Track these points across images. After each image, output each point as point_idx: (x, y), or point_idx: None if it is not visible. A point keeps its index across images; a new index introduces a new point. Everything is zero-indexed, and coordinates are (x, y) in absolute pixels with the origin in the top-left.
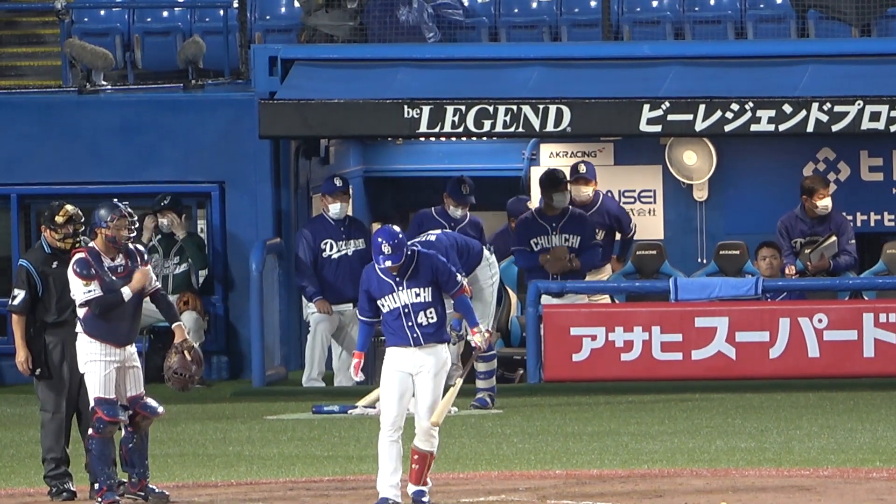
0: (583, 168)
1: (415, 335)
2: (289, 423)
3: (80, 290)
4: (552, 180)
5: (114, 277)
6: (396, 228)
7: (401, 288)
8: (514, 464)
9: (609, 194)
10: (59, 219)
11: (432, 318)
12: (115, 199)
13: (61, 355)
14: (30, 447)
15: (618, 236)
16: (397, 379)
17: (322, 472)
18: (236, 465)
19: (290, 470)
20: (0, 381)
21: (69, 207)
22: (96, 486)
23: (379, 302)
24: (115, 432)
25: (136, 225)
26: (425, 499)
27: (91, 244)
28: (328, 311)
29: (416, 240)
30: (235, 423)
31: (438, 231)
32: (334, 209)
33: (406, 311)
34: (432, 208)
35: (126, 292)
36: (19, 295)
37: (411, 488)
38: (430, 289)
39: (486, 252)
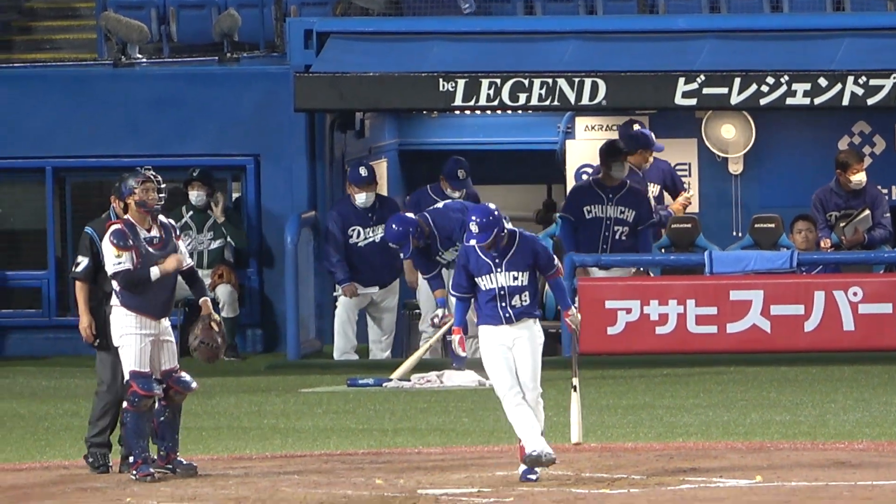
0: (635, 126)
1: (507, 315)
2: (323, 396)
3: (111, 261)
4: (611, 151)
5: (150, 249)
6: (491, 206)
7: (499, 269)
8: (549, 437)
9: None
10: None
11: (526, 300)
12: (139, 167)
13: None
14: (65, 420)
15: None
16: (500, 353)
17: (357, 445)
18: (271, 438)
19: (325, 443)
20: (38, 355)
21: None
22: (130, 458)
23: (476, 279)
24: (149, 406)
25: (163, 187)
26: (533, 476)
27: (126, 216)
28: (355, 295)
29: (426, 209)
30: (270, 396)
31: (448, 200)
32: (360, 199)
33: (502, 293)
34: (427, 186)
35: (154, 272)
36: (82, 262)
37: (521, 468)
38: (527, 273)
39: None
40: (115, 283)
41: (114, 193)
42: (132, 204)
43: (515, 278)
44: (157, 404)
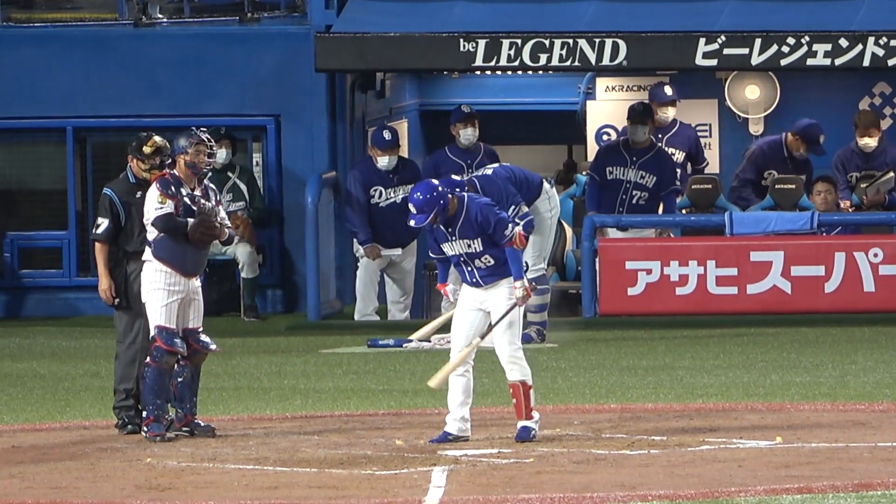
0: (669, 91)
1: (474, 279)
2: (344, 357)
3: (153, 206)
4: (631, 113)
5: (192, 205)
6: (433, 183)
7: (453, 238)
8: (568, 398)
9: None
10: (146, 149)
11: (489, 262)
12: (193, 128)
13: (140, 286)
14: (84, 380)
15: (689, 169)
16: (468, 317)
17: (377, 405)
18: (291, 398)
19: (346, 403)
20: (59, 315)
21: (157, 139)
22: (144, 413)
23: (440, 245)
24: (171, 364)
25: (214, 151)
26: (532, 434)
27: (174, 171)
28: (378, 257)
29: (474, 175)
30: (290, 357)
31: (496, 165)
32: (382, 161)
33: (463, 258)
34: (445, 147)
35: (192, 223)
36: (103, 223)
37: (518, 424)
38: (479, 239)
39: (545, 185)
40: (151, 235)
41: (130, 153)
42: (181, 163)
43: (469, 245)
44: (177, 365)
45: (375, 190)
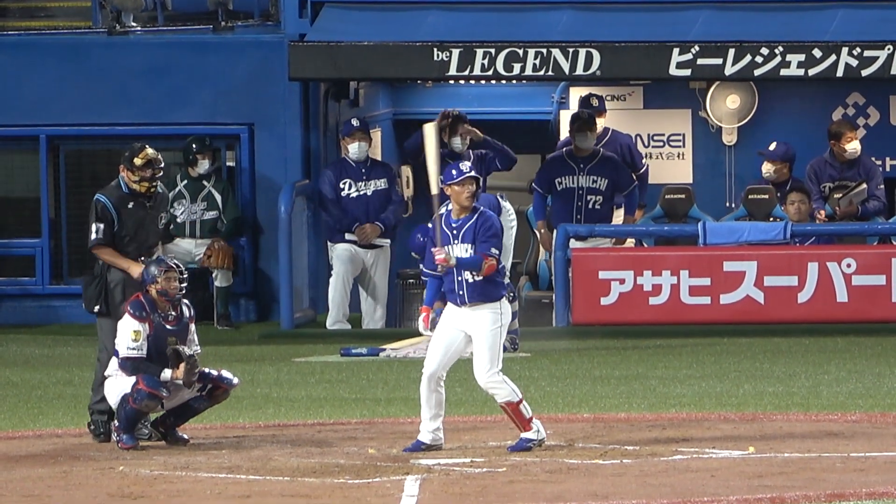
0: (595, 101)
1: (461, 292)
2: (317, 366)
3: (127, 343)
4: (572, 122)
5: (165, 325)
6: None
7: (455, 241)
8: (541, 407)
9: (634, 136)
10: (137, 161)
11: (478, 276)
12: (162, 255)
13: (122, 295)
14: (57, 388)
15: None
16: (445, 334)
17: (350, 414)
18: (264, 407)
19: (319, 412)
20: (32, 323)
21: (149, 151)
22: (115, 422)
23: (449, 247)
24: (153, 407)
25: (185, 276)
26: (529, 444)
27: (148, 293)
28: (371, 238)
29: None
30: (263, 366)
31: None
32: (353, 149)
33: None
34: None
35: (166, 375)
36: (99, 228)
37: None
38: (474, 247)
39: (501, 202)
40: (119, 356)
41: (122, 163)
42: (153, 292)
43: (466, 251)
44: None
45: (345, 182)
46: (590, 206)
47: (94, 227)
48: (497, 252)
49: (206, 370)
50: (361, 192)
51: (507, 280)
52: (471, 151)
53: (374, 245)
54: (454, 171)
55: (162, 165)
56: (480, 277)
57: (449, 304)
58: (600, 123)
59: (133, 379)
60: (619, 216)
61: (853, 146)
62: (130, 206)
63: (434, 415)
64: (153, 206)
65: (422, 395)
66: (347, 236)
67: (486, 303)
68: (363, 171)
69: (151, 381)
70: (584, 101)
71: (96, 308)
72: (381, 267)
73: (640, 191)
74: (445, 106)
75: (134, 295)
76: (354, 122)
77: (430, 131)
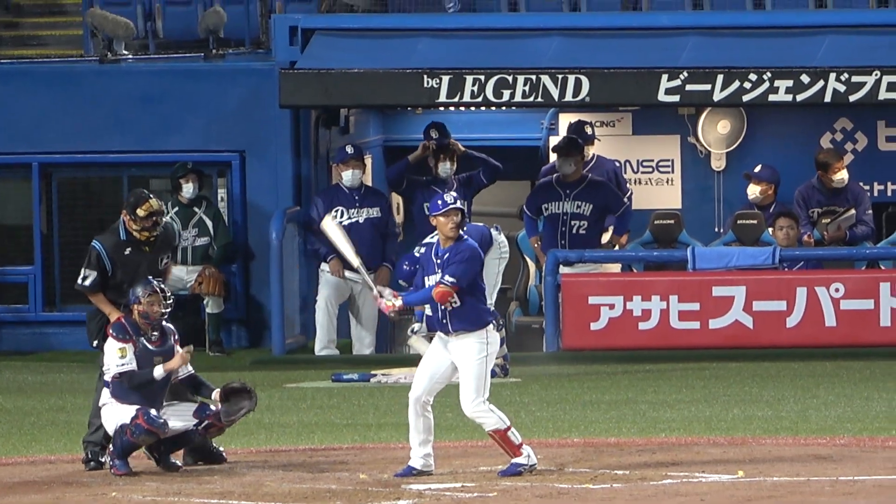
0: (589, 130)
1: (444, 321)
2: (308, 391)
3: (115, 361)
4: (556, 149)
5: (149, 346)
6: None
7: (439, 269)
8: (531, 432)
9: (623, 162)
10: (140, 212)
11: (455, 302)
12: (150, 278)
13: None
14: (50, 415)
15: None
16: (434, 360)
17: (341, 439)
18: (256, 432)
19: (310, 437)
20: (25, 349)
21: (153, 202)
22: (110, 447)
23: (424, 278)
24: (149, 442)
25: (170, 301)
26: (520, 470)
27: (131, 316)
28: (340, 273)
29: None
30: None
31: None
32: (346, 176)
33: None
34: (423, 177)
35: (159, 371)
36: (90, 276)
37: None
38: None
39: (495, 234)
40: (108, 377)
41: (125, 208)
42: (136, 313)
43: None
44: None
45: (337, 210)
46: (573, 231)
47: (84, 273)
48: (453, 280)
49: (208, 405)
50: (353, 220)
51: (492, 308)
52: (455, 178)
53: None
54: (439, 202)
55: (164, 214)
56: (460, 305)
57: (437, 334)
58: (590, 151)
59: (132, 410)
60: (607, 237)
61: (840, 176)
62: (128, 252)
63: (423, 440)
64: (154, 249)
65: (410, 421)
66: (347, 274)
67: (471, 331)
68: (356, 198)
69: (150, 419)
70: (575, 128)
71: (95, 343)
72: (369, 294)
73: (625, 220)
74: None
75: (116, 318)
76: (349, 150)
77: (328, 226)
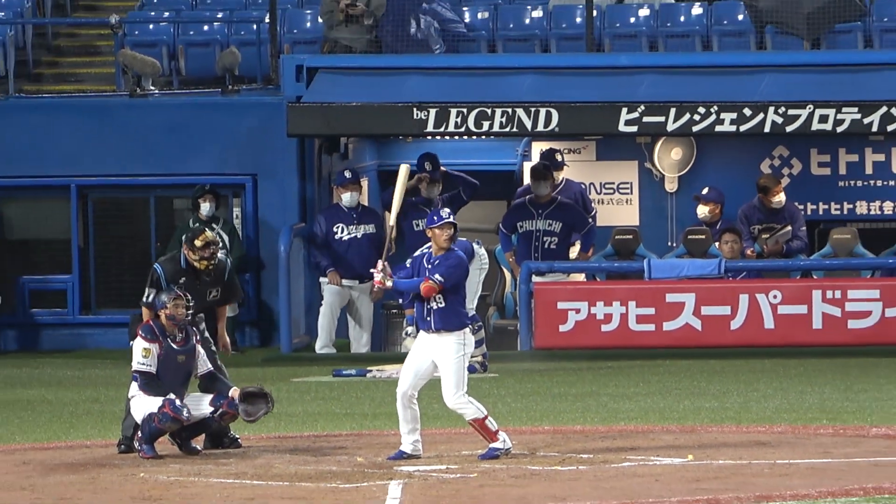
0: (559, 157)
1: (429, 319)
2: (312, 385)
3: (138, 358)
4: (531, 173)
5: (173, 345)
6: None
7: (427, 273)
8: (508, 421)
9: (587, 184)
10: (198, 243)
11: (441, 302)
12: (173, 286)
13: None
14: (86, 405)
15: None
16: (416, 357)
17: (341, 427)
18: (266, 421)
19: (314, 425)
20: (64, 348)
21: (208, 234)
22: (138, 434)
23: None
24: (174, 429)
25: (191, 305)
26: (496, 453)
27: (159, 320)
28: (338, 283)
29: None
30: (266, 385)
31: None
32: (346, 198)
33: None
34: (412, 198)
35: (172, 396)
36: (151, 292)
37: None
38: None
39: (476, 248)
40: (138, 380)
41: (185, 243)
42: (163, 316)
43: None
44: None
45: (337, 226)
46: (545, 246)
47: (147, 291)
48: (441, 279)
49: (223, 395)
50: (352, 235)
51: (473, 312)
52: (439, 198)
53: (361, 280)
54: (435, 217)
55: (220, 245)
56: (444, 305)
57: (421, 332)
58: (560, 176)
59: (159, 400)
60: (574, 251)
61: (779, 199)
62: (182, 280)
63: (411, 429)
64: (210, 280)
65: (398, 412)
66: (345, 282)
67: (451, 332)
68: (354, 216)
69: (175, 408)
70: (546, 155)
71: (132, 343)
72: (366, 299)
73: (589, 237)
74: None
75: (145, 320)
76: (347, 174)
77: (404, 171)
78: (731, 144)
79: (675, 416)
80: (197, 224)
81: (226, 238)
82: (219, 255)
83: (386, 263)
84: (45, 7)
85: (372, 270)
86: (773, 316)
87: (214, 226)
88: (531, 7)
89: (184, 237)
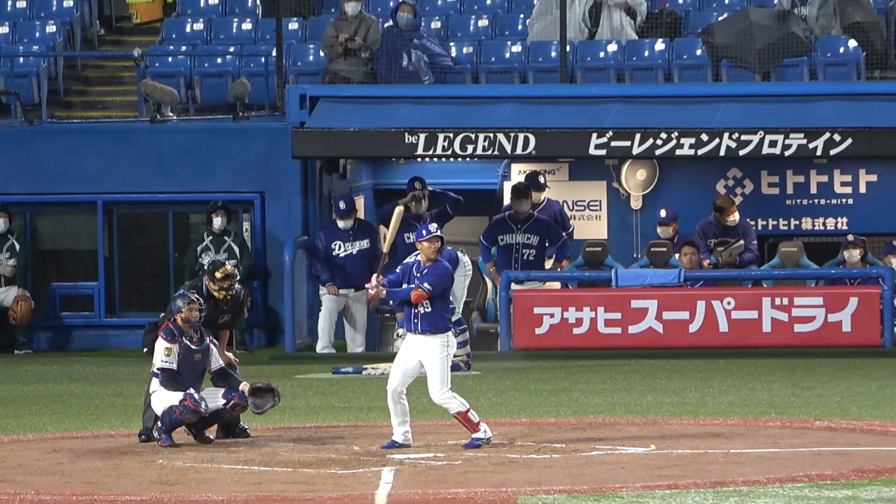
0: (542, 179)
1: (415, 321)
2: (313, 381)
3: (161, 357)
4: (514, 191)
5: (191, 345)
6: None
7: (416, 281)
8: (489, 413)
9: (559, 201)
10: (218, 275)
11: (427, 307)
12: (187, 291)
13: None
14: (111, 399)
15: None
16: (404, 357)
17: (339, 419)
18: (272, 413)
19: (315, 417)
20: (91, 348)
21: (228, 267)
22: (158, 424)
23: (405, 285)
24: (193, 420)
25: (204, 308)
26: (478, 443)
27: (176, 323)
28: (336, 293)
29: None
30: (272, 381)
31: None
32: (342, 224)
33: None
34: (404, 214)
35: (191, 391)
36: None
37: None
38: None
39: (460, 255)
40: (159, 376)
41: (206, 274)
42: (179, 319)
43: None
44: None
45: (336, 243)
46: (524, 257)
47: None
48: (429, 287)
49: (234, 389)
50: (348, 252)
51: (459, 316)
52: (428, 214)
53: (357, 289)
54: (424, 232)
55: (237, 277)
56: (430, 310)
57: (408, 334)
58: (543, 196)
59: (179, 394)
60: (549, 263)
61: (733, 218)
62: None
63: (401, 421)
64: (225, 309)
65: (389, 407)
66: (341, 290)
67: (435, 334)
68: (350, 234)
69: (194, 400)
70: (530, 177)
71: (145, 350)
72: (360, 305)
73: (565, 248)
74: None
75: (164, 323)
76: (342, 206)
77: (398, 213)
78: (690, 166)
79: (639, 409)
80: (211, 237)
81: (236, 249)
82: (235, 286)
83: (380, 277)
84: (75, 41)
85: (367, 286)
86: (728, 320)
87: (226, 238)
88: (511, 42)
89: (206, 268)
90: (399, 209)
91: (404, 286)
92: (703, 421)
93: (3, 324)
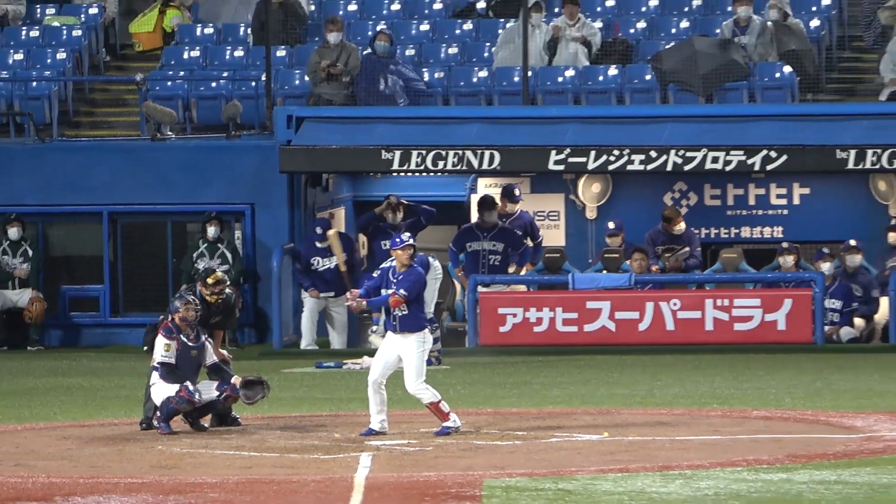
0: (517, 192)
1: (394, 322)
2: (298, 375)
3: (161, 352)
4: (482, 203)
5: (188, 342)
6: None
7: (391, 287)
8: (457, 404)
9: (529, 213)
10: (210, 280)
11: (404, 310)
12: (184, 293)
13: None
14: (115, 391)
15: (529, 242)
16: (384, 353)
17: (322, 409)
18: (261, 403)
19: (299, 407)
20: (97, 344)
21: (218, 273)
22: (157, 413)
23: (382, 289)
24: (188, 409)
25: (199, 308)
26: (448, 431)
27: (174, 322)
28: (317, 297)
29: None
30: (261, 375)
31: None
32: (320, 245)
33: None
34: (381, 223)
35: (188, 383)
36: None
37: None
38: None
39: (431, 260)
40: (158, 370)
41: (199, 279)
42: (177, 318)
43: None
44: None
45: (314, 259)
46: (490, 262)
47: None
48: (405, 293)
49: (227, 381)
50: (326, 267)
51: (430, 315)
52: (403, 224)
53: (336, 294)
54: (398, 240)
55: (227, 283)
56: (407, 312)
57: (388, 332)
58: (517, 208)
59: (176, 386)
60: (512, 268)
61: (679, 228)
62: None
63: (379, 410)
64: (217, 311)
65: (369, 396)
66: (322, 294)
67: (412, 332)
68: (327, 250)
69: (189, 391)
70: (505, 190)
71: (146, 348)
72: (340, 306)
73: (536, 252)
74: (390, 190)
75: (163, 322)
76: (319, 231)
77: (332, 234)
78: (640, 180)
79: (594, 400)
80: (206, 245)
81: (229, 255)
82: (226, 291)
83: (354, 291)
84: (84, 67)
85: (347, 303)
86: (674, 320)
87: (220, 245)
88: (478, 68)
89: (199, 275)
90: (333, 231)
91: (383, 292)
92: (651, 411)
93: (17, 323)
